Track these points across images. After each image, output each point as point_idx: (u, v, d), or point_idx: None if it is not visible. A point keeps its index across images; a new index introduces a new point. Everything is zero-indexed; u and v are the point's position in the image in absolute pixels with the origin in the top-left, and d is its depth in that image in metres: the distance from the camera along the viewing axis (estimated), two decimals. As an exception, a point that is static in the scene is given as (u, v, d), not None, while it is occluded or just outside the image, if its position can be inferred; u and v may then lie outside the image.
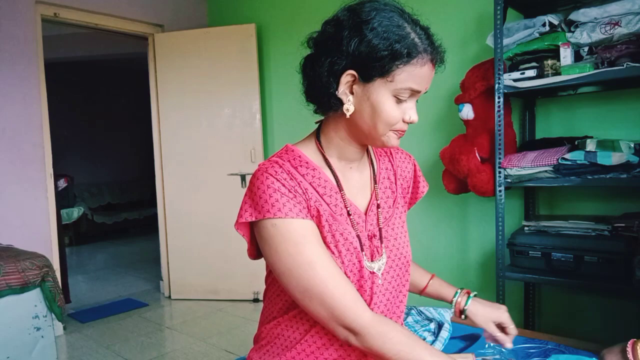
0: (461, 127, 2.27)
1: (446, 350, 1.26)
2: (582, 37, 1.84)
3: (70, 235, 6.23)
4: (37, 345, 2.18)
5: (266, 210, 0.83)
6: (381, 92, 0.83)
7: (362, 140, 0.92)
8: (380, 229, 0.95)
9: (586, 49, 1.88)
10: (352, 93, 0.86)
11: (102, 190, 6.92)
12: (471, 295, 1.12)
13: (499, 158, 1.99)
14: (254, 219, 0.85)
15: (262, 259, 0.93)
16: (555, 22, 1.94)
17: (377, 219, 0.96)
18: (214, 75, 3.51)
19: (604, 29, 1.78)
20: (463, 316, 1.11)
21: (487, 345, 1.18)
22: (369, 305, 0.90)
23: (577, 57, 1.90)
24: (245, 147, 3.52)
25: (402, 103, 0.85)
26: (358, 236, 0.91)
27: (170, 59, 3.58)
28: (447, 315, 1.34)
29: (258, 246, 0.91)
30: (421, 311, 1.52)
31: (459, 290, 1.13)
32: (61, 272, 3.17)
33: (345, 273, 0.88)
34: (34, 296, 2.16)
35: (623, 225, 1.82)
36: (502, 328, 1.10)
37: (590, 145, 1.81)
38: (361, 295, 0.88)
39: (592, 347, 1.20)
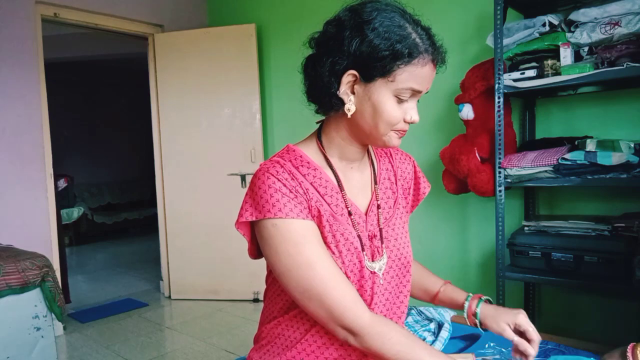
0: (461, 127, 2.27)
1: (446, 350, 1.26)
2: (582, 37, 1.84)
3: (70, 235, 6.23)
4: (37, 345, 2.18)
5: (267, 210, 0.84)
6: (382, 92, 0.83)
7: (364, 140, 0.92)
8: (381, 229, 0.95)
9: (586, 49, 1.88)
10: (353, 93, 0.86)
11: (102, 190, 6.92)
12: (482, 298, 1.06)
13: (499, 158, 2.00)
14: (254, 219, 0.86)
15: (262, 258, 0.93)
16: (555, 22, 1.94)
17: (378, 220, 0.96)
18: (214, 75, 3.51)
19: (604, 29, 1.78)
20: (477, 322, 1.03)
21: (487, 345, 1.18)
22: (369, 305, 0.90)
23: (577, 57, 1.90)
24: (245, 147, 3.52)
25: (403, 103, 0.85)
26: (359, 236, 0.91)
27: (170, 59, 3.58)
28: (447, 315, 1.34)
29: (258, 246, 0.91)
30: (421, 311, 1.52)
31: (470, 294, 1.08)
32: (61, 272, 3.17)
33: (345, 273, 0.88)
34: (34, 296, 2.16)
35: (623, 225, 1.82)
36: (520, 334, 0.99)
37: (590, 145, 1.81)
38: (362, 295, 0.88)
39: (592, 347, 1.20)
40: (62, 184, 5.84)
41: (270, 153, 3.56)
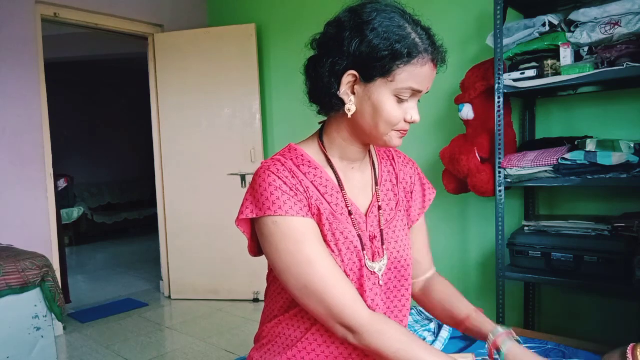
0: (461, 127, 2.27)
1: (446, 350, 1.26)
2: (582, 37, 1.84)
3: (70, 235, 6.23)
4: (37, 345, 2.18)
5: (267, 208, 0.84)
6: (382, 92, 0.84)
7: (365, 140, 0.93)
8: (382, 231, 0.95)
9: (586, 49, 1.88)
10: (353, 93, 0.86)
11: (102, 190, 6.92)
12: (514, 336, 0.96)
13: (499, 158, 1.99)
14: (254, 216, 0.86)
15: (263, 256, 0.93)
16: (555, 22, 1.94)
17: (379, 221, 0.96)
18: (214, 75, 3.51)
19: (604, 29, 1.78)
20: (501, 356, 0.93)
21: (487, 346, 1.18)
22: (369, 305, 0.90)
23: (577, 57, 1.90)
24: (245, 147, 3.52)
25: (403, 103, 0.85)
26: (359, 236, 0.91)
27: (170, 59, 3.58)
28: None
29: (258, 243, 0.92)
30: (421, 311, 1.52)
31: (499, 328, 0.96)
32: (61, 272, 3.17)
33: (345, 271, 0.88)
34: (34, 296, 2.16)
35: (623, 225, 1.82)
36: None
37: (590, 145, 1.81)
38: (361, 295, 0.88)
39: (592, 347, 1.20)
40: (62, 184, 5.84)
41: (270, 153, 3.56)
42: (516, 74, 1.96)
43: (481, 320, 0.99)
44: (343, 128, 0.92)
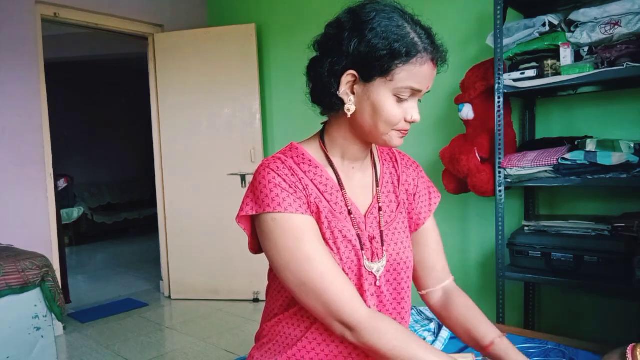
0: (461, 127, 2.27)
1: (446, 350, 1.26)
2: (582, 37, 1.84)
3: (70, 235, 6.23)
4: (37, 345, 2.18)
5: (266, 205, 0.85)
6: (381, 92, 0.84)
7: (365, 139, 0.92)
8: (381, 232, 0.95)
9: (586, 49, 1.88)
10: (353, 93, 0.87)
11: (102, 190, 6.92)
12: None
13: (499, 158, 1.99)
14: (254, 213, 0.87)
15: (263, 256, 0.93)
16: (555, 22, 1.94)
17: (379, 222, 0.96)
18: (214, 75, 3.51)
19: (604, 29, 1.78)
20: None
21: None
22: (368, 305, 0.90)
23: (577, 57, 1.90)
24: (245, 147, 3.52)
25: (403, 102, 0.85)
26: (358, 235, 0.91)
27: (170, 59, 3.58)
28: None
29: (259, 240, 0.92)
30: (421, 311, 1.52)
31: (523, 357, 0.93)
32: (61, 272, 3.17)
33: (343, 270, 0.88)
34: (34, 296, 2.16)
35: (623, 225, 1.82)
36: None
37: (590, 145, 1.81)
38: (360, 295, 0.88)
39: (592, 347, 1.20)
40: (62, 184, 5.84)
41: (270, 153, 3.56)
42: (516, 74, 1.96)
43: (504, 348, 0.94)
44: (343, 128, 0.92)
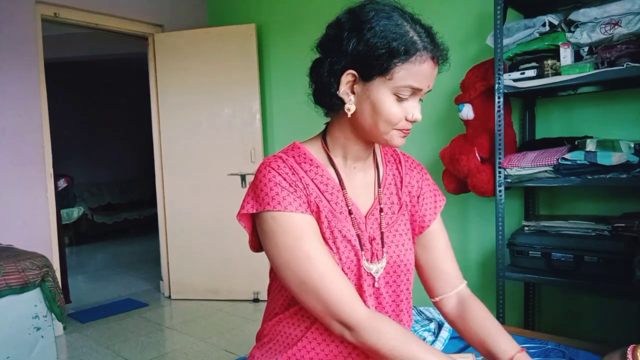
0: (461, 127, 2.27)
1: (446, 350, 1.26)
2: (582, 37, 1.84)
3: (70, 235, 6.23)
4: (37, 345, 2.18)
5: (266, 203, 0.85)
6: (381, 91, 0.84)
7: (367, 138, 0.92)
8: (382, 233, 0.95)
9: (586, 49, 1.88)
10: (353, 93, 0.87)
11: (102, 190, 6.92)
12: None
13: (499, 158, 1.99)
14: (254, 211, 0.87)
15: (263, 256, 0.93)
16: (555, 22, 1.94)
17: (380, 223, 0.96)
18: (214, 75, 3.51)
19: (604, 29, 1.78)
20: None
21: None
22: (367, 306, 0.90)
23: (577, 57, 1.90)
24: (245, 147, 3.52)
25: (403, 101, 0.85)
26: (358, 235, 0.91)
27: (170, 59, 3.58)
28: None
29: (259, 239, 0.92)
30: (421, 311, 1.52)
31: None
32: (61, 272, 3.17)
33: (342, 269, 0.88)
34: (34, 296, 2.16)
35: (623, 225, 1.82)
36: None
37: (590, 145, 1.81)
38: (360, 295, 0.88)
39: (592, 347, 1.20)
40: (62, 184, 5.84)
41: (270, 153, 3.56)
42: (516, 74, 1.96)
43: None
44: (345, 127, 0.92)
